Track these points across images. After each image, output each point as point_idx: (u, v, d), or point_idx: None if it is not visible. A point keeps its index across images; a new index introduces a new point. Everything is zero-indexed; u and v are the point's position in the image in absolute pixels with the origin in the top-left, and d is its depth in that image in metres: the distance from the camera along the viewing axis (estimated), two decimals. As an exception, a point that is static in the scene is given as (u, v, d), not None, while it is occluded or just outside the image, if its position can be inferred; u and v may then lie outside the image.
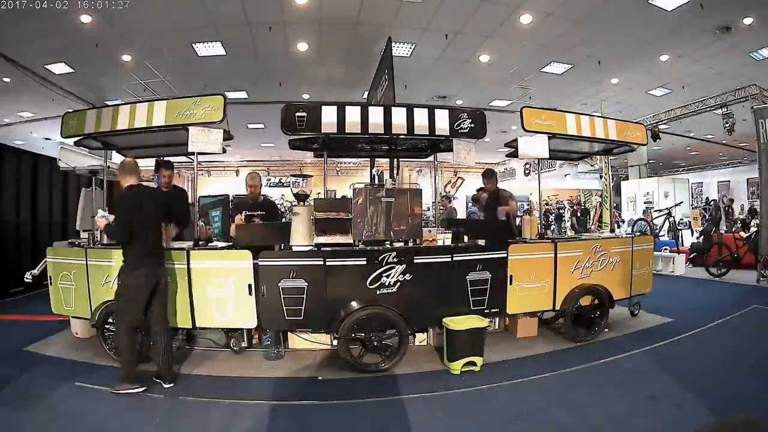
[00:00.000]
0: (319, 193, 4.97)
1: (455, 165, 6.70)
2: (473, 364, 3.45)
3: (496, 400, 2.96)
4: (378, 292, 3.62)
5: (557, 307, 4.18)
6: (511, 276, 3.97)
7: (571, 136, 4.60)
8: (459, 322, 3.48)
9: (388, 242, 3.73)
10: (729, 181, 18.09)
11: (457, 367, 3.41)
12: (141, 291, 3.12)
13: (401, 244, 3.76)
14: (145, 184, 3.45)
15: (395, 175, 5.50)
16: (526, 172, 15.24)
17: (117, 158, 5.69)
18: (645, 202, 12.39)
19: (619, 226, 11.96)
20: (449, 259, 3.81)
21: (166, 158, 4.64)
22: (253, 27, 6.63)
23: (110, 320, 3.67)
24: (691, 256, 8.95)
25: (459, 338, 3.41)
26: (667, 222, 10.28)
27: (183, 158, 4.92)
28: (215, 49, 7.32)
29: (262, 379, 3.36)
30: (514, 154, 4.88)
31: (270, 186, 17.67)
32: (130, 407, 2.83)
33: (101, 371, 3.45)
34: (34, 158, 7.02)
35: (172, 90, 8.57)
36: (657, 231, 10.15)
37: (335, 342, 3.57)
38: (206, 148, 3.92)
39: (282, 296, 3.54)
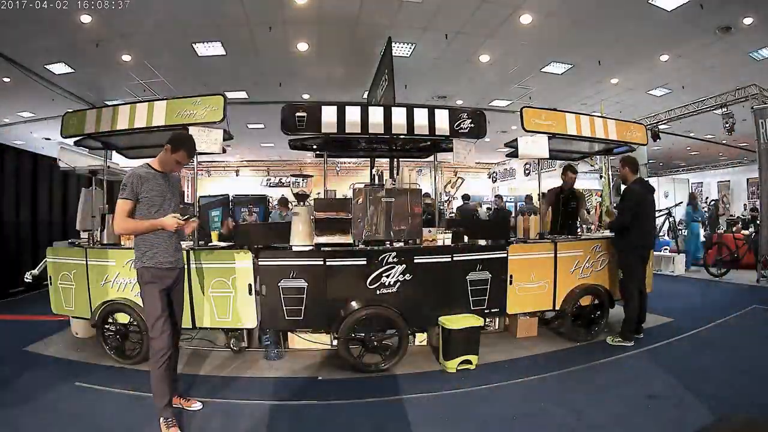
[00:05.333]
0: (319, 193, 4.97)
1: (455, 165, 6.68)
2: (468, 362, 3.46)
3: (497, 400, 2.96)
4: (378, 292, 3.62)
5: (557, 307, 4.18)
6: (511, 276, 3.97)
7: (571, 136, 4.60)
8: (455, 321, 3.49)
9: (388, 242, 3.73)
10: (729, 181, 18.03)
11: (452, 365, 3.41)
12: None
13: (401, 244, 3.77)
14: None
15: (395, 175, 5.49)
16: (526, 172, 15.22)
17: (117, 158, 5.71)
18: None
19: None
20: (449, 259, 3.81)
21: None
22: (253, 27, 6.62)
23: (110, 320, 3.68)
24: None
25: (454, 337, 3.41)
26: (667, 222, 10.26)
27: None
28: (215, 48, 7.31)
29: (262, 379, 3.36)
30: (514, 154, 4.89)
31: (270, 186, 17.68)
32: (130, 407, 2.83)
33: (101, 371, 3.45)
34: (34, 158, 7.01)
35: (172, 90, 8.55)
36: (657, 231, 10.13)
37: (335, 342, 3.56)
38: (206, 148, 3.92)
39: (282, 296, 3.54)
